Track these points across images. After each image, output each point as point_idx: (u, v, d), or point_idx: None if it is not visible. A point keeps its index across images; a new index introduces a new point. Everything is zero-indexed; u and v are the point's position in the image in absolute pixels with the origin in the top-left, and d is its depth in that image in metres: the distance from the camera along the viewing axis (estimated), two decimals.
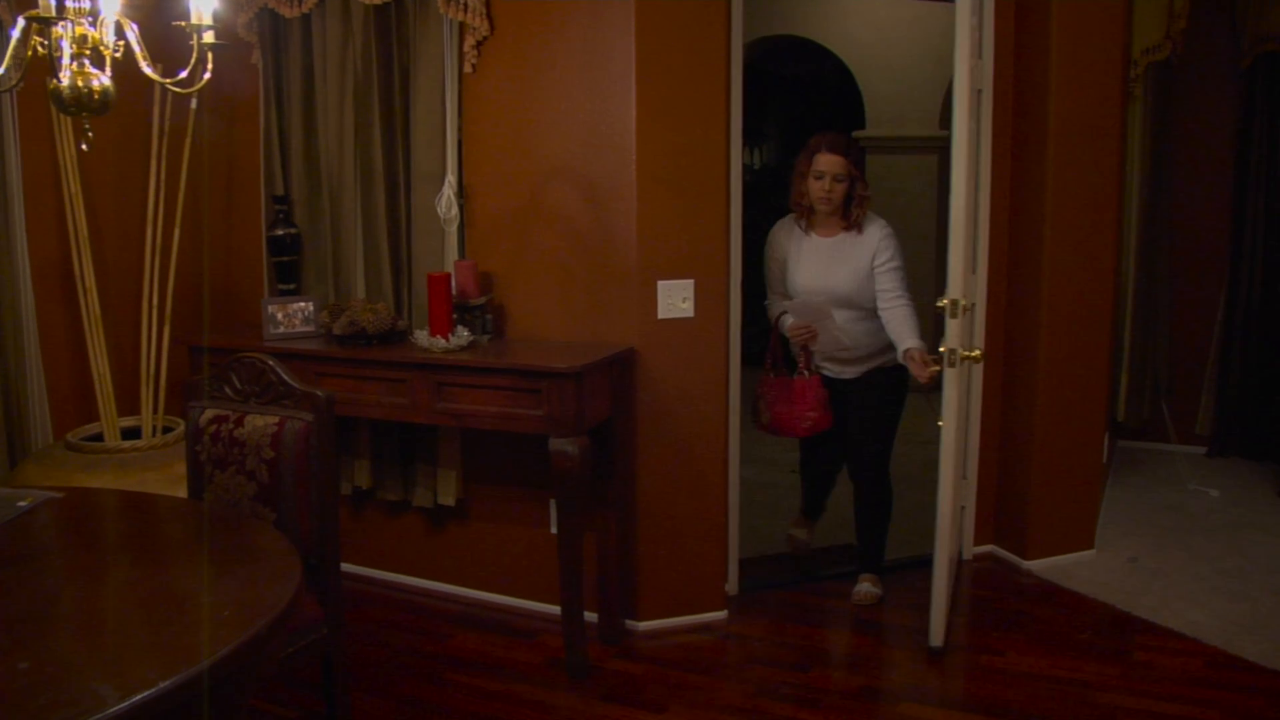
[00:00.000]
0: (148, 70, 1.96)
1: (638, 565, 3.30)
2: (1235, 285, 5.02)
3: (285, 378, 2.44)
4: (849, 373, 3.46)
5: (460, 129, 3.35)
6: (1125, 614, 3.36)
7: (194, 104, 3.49)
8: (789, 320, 3.43)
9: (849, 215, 3.33)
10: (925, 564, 3.73)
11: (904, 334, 3.22)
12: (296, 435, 2.39)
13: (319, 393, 2.40)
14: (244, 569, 1.94)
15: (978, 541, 3.88)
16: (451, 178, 3.32)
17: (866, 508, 3.55)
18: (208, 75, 2.15)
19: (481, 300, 3.25)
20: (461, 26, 3.26)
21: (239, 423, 2.46)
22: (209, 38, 2.11)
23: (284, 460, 2.39)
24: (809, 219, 3.40)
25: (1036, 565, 3.72)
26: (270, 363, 2.47)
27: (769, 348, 3.51)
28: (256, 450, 2.41)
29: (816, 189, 3.29)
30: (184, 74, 2.01)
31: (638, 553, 3.29)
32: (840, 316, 3.34)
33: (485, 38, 3.26)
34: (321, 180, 3.55)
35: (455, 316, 3.17)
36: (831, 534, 3.98)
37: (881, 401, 3.45)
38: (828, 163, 3.27)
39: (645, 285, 3.15)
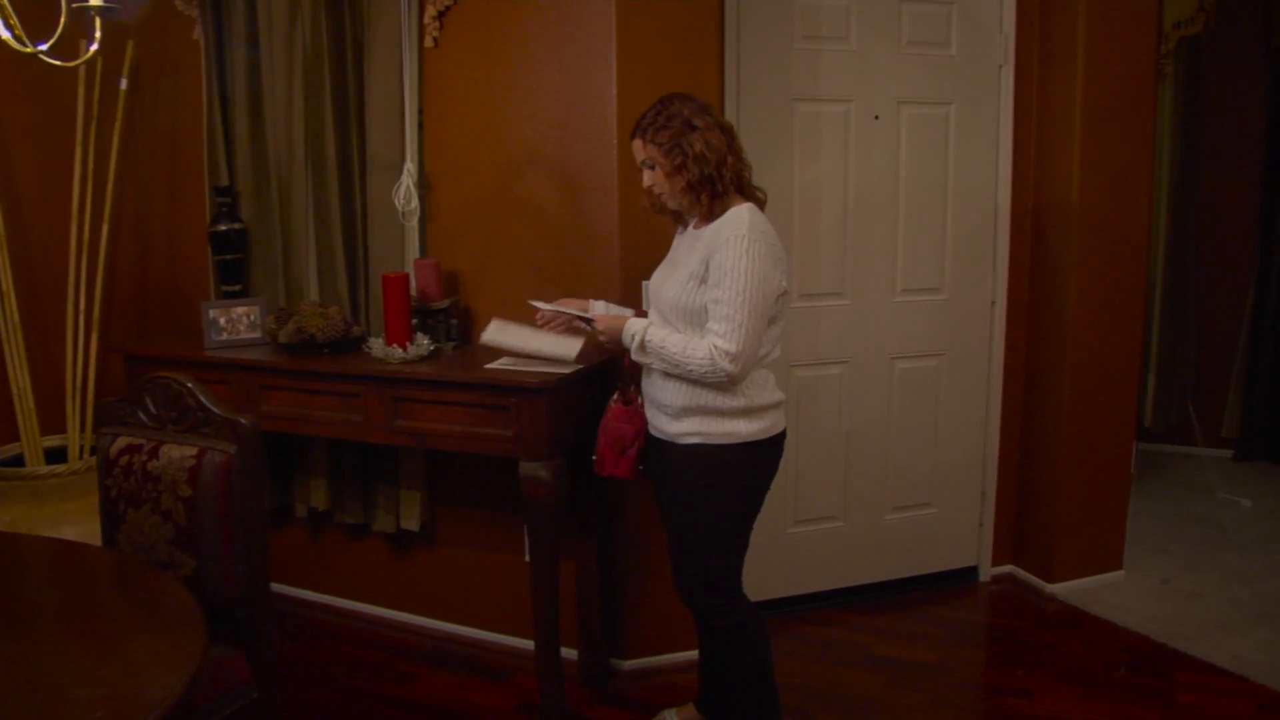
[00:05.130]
0: (7, 35, 1.60)
1: (622, 597, 2.97)
2: (1265, 280, 4.69)
3: (205, 402, 2.10)
4: (664, 428, 2.36)
5: (421, 111, 2.99)
6: (1162, 646, 3.04)
7: (124, 84, 3.14)
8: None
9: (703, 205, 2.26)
10: (926, 583, 3.44)
11: (643, 326, 2.28)
12: (217, 470, 2.04)
13: (243, 420, 2.05)
14: (134, 647, 1.60)
15: (996, 561, 3.55)
16: (411, 166, 2.97)
17: (714, 651, 2.48)
18: (95, 47, 1.79)
19: (445, 303, 2.90)
20: None
21: (153, 454, 2.12)
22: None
23: (203, 499, 2.05)
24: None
25: (1061, 589, 3.39)
26: (189, 385, 2.12)
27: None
28: (172, 486, 2.07)
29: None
30: (44, 46, 1.64)
31: (622, 584, 2.96)
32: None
33: (448, 8, 2.91)
34: (269, 169, 3.19)
35: (415, 322, 2.83)
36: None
37: (688, 490, 2.31)
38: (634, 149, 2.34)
39: (628, 286, 2.80)
